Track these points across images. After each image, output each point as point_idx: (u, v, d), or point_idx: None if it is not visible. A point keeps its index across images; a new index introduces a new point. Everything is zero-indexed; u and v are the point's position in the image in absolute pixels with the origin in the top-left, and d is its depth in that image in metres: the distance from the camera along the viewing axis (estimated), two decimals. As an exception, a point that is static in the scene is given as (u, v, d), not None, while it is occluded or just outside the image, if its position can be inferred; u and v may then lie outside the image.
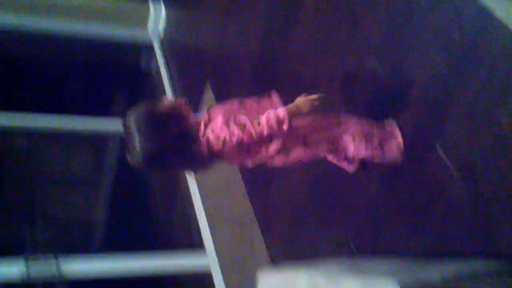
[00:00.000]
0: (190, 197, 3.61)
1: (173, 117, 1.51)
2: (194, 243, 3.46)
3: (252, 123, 1.53)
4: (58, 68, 4.69)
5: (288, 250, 2.54)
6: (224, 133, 1.52)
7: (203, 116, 1.58)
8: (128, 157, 1.49)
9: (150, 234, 4.17)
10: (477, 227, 1.51)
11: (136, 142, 1.45)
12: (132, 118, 1.47)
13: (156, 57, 4.50)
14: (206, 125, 1.55)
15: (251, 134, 1.52)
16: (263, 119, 1.53)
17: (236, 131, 1.52)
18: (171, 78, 4.32)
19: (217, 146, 1.53)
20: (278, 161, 1.65)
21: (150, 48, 4.61)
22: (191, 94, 3.85)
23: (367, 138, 1.69)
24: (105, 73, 4.71)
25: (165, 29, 4.61)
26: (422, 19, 1.70)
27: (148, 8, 4.58)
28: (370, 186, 1.95)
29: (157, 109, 1.51)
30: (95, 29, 4.48)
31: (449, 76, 1.60)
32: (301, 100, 1.62)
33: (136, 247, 3.61)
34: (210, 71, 3.58)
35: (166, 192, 4.33)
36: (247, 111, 1.60)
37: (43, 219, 4.04)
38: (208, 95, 3.52)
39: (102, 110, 4.15)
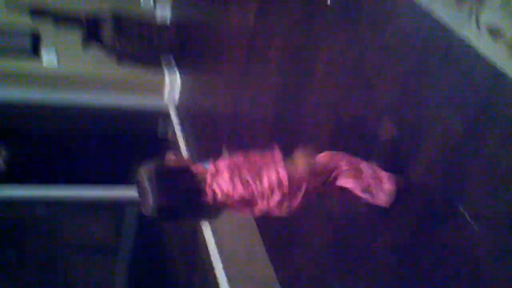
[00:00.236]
0: (210, 261, 3.59)
1: (181, 173, 1.63)
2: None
3: (254, 181, 1.62)
4: (78, 139, 4.79)
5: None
6: (228, 188, 1.61)
7: (210, 167, 1.67)
8: (142, 209, 1.60)
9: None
10: (504, 284, 1.50)
11: (149, 196, 1.56)
12: (144, 174, 1.59)
13: (172, 124, 4.59)
14: (213, 177, 1.64)
15: (253, 191, 1.62)
16: (265, 180, 1.62)
17: (240, 187, 1.61)
18: (187, 144, 4.39)
19: (222, 198, 1.62)
20: (281, 210, 1.70)
21: (167, 115, 4.71)
22: (208, 159, 3.89)
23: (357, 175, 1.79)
24: (123, 142, 4.80)
25: (181, 97, 4.72)
26: (435, 79, 1.75)
27: (163, 77, 4.71)
28: (393, 245, 1.94)
29: (166, 165, 1.64)
30: (112, 100, 4.60)
31: (466, 134, 1.62)
32: (301, 162, 1.70)
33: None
34: (226, 136, 3.63)
35: (186, 258, 4.31)
36: (250, 166, 1.66)
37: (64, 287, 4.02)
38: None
39: (121, 178, 4.21)
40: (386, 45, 2.00)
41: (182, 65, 4.72)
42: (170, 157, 1.70)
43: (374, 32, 2.08)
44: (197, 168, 1.67)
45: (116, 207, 4.33)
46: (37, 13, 4.55)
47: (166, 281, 4.26)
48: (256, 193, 1.62)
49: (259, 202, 1.65)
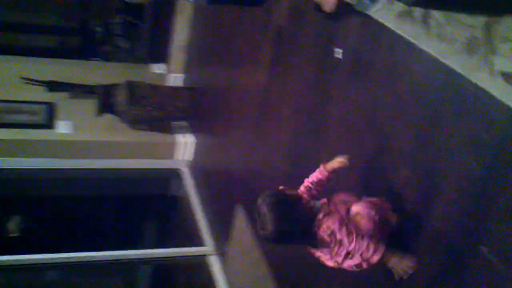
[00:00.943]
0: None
1: (297, 202, 1.88)
2: None
3: (357, 238, 1.85)
4: (91, 203, 4.83)
5: None
6: (335, 229, 1.85)
7: (323, 207, 1.92)
8: (260, 232, 1.83)
9: None
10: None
11: (268, 222, 1.79)
12: (265, 202, 1.82)
13: (186, 183, 4.63)
14: (325, 215, 1.88)
15: (351, 244, 1.85)
16: (364, 245, 1.85)
17: (344, 233, 1.85)
18: (201, 202, 4.40)
19: (325, 233, 1.86)
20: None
21: (180, 175, 4.76)
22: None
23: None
24: (138, 204, 4.83)
25: (194, 157, 4.78)
26: (451, 125, 1.79)
27: (176, 138, 4.79)
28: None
29: (285, 196, 1.86)
30: (126, 164, 4.67)
31: (485, 176, 1.65)
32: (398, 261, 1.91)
33: None
34: (240, 192, 3.66)
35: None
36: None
37: None
38: (241, 216, 3.57)
39: (135, 239, 4.23)
40: (399, 94, 2.06)
41: (195, 125, 4.81)
42: (285, 188, 1.91)
43: (386, 83, 2.14)
44: (310, 202, 1.90)
45: (129, 269, 4.31)
46: (53, 87, 4.70)
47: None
48: (353, 247, 1.84)
49: (354, 256, 1.86)
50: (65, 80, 4.78)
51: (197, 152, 4.72)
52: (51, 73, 4.91)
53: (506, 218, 1.58)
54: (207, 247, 4.05)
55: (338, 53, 2.48)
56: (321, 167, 2.07)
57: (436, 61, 1.86)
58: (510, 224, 1.56)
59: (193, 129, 4.83)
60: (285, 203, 1.85)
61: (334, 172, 2.06)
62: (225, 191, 3.97)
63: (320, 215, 1.89)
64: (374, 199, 2.05)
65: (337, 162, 2.05)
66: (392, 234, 1.99)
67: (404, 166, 2.01)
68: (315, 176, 2.08)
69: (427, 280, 1.87)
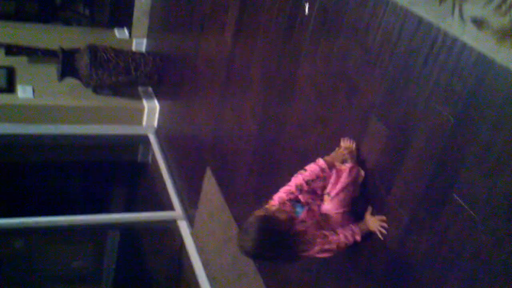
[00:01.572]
0: (196, 280, 3.55)
1: (287, 233, 1.87)
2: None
3: (331, 236, 1.96)
4: (57, 168, 4.74)
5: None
6: (317, 254, 1.94)
7: (302, 216, 1.98)
8: (239, 244, 1.86)
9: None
10: (507, 267, 1.52)
11: (250, 240, 1.82)
12: (255, 225, 1.83)
13: (153, 149, 4.58)
14: (304, 244, 1.92)
15: (330, 244, 1.95)
16: (340, 233, 1.97)
17: (326, 254, 1.95)
18: (169, 167, 4.37)
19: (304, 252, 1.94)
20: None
21: (148, 141, 4.70)
22: (192, 180, 3.89)
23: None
24: (105, 169, 4.76)
25: (159, 123, 4.73)
26: (422, 74, 1.79)
27: (141, 104, 4.72)
28: (390, 244, 1.95)
29: (277, 225, 1.85)
30: (91, 129, 4.58)
31: (457, 124, 1.66)
32: (374, 222, 1.99)
33: None
34: (209, 156, 3.63)
35: (171, 280, 4.24)
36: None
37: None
38: (210, 180, 3.55)
39: (103, 205, 4.17)
40: (368, 47, 2.05)
41: (160, 90, 4.74)
42: (278, 213, 1.90)
43: (355, 36, 2.13)
44: (292, 220, 1.92)
45: (97, 233, 4.26)
46: (11, 50, 4.55)
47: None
48: (331, 243, 1.95)
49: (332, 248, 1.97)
50: (24, 44, 4.63)
51: (164, 117, 4.66)
52: (9, 36, 4.75)
53: (477, 166, 1.59)
54: (176, 212, 4.04)
55: (305, 7, 2.45)
56: (323, 162, 2.06)
57: (405, 10, 1.85)
58: (481, 172, 1.58)
59: (159, 95, 4.77)
60: (274, 233, 1.85)
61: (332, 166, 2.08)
62: (194, 156, 3.94)
63: (302, 230, 1.94)
64: (343, 168, 2.05)
65: (341, 154, 2.09)
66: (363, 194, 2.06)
67: (376, 119, 2.01)
68: (314, 172, 2.05)
69: (400, 231, 1.89)
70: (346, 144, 2.15)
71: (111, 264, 4.37)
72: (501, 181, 1.52)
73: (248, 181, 3.09)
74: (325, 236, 1.95)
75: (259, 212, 1.90)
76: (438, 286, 1.73)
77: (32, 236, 4.01)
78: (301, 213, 2.00)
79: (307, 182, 2.04)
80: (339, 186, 2.02)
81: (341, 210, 2.03)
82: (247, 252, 1.86)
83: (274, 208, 1.94)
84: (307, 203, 2.05)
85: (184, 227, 3.94)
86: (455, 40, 1.65)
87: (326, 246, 1.94)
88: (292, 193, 2.04)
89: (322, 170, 2.04)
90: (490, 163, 1.55)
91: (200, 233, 3.73)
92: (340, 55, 2.23)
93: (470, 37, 1.59)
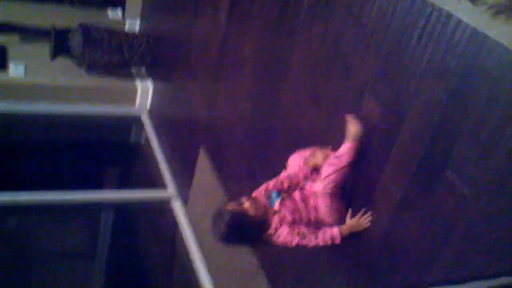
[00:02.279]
0: (190, 259, 3.56)
1: (256, 228, 2.02)
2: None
3: (310, 237, 2.02)
4: (50, 147, 4.72)
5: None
6: (286, 239, 2.03)
7: (275, 206, 2.07)
8: (212, 230, 2.03)
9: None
10: (496, 248, 1.53)
11: (219, 233, 1.99)
12: (225, 219, 1.97)
13: (147, 129, 4.57)
14: (275, 230, 2.04)
15: (307, 243, 2.03)
16: (320, 236, 2.02)
17: (297, 239, 2.03)
18: (162, 148, 4.37)
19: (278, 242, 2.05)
20: None
21: (139, 122, 4.69)
22: (185, 160, 3.89)
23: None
24: (95, 149, 4.75)
25: (153, 103, 4.71)
26: (416, 50, 1.79)
27: (134, 84, 4.70)
28: (382, 220, 1.96)
29: (246, 221, 1.99)
30: (83, 108, 4.55)
31: (450, 101, 1.66)
32: (355, 223, 2.03)
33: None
34: (203, 137, 3.63)
35: (164, 258, 4.26)
36: (309, 221, 2.09)
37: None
38: (204, 159, 3.55)
39: (96, 185, 4.17)
40: (362, 24, 2.04)
41: (153, 71, 4.72)
42: (250, 209, 2.01)
43: (349, 13, 2.12)
44: (264, 214, 2.04)
45: (90, 212, 4.26)
46: (3, 29, 4.50)
47: (143, 283, 4.19)
48: (309, 245, 2.03)
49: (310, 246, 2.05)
50: (16, 22, 4.58)
51: (158, 98, 4.65)
52: (0, 14, 4.70)
53: (469, 143, 1.60)
54: (170, 191, 4.04)
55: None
56: (302, 161, 2.15)
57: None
58: (474, 149, 1.58)
59: (152, 75, 4.74)
60: (241, 229, 2.00)
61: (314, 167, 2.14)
62: (187, 136, 3.93)
63: (273, 227, 2.05)
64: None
65: (320, 157, 2.12)
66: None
67: (369, 97, 2.01)
68: (293, 169, 2.17)
69: (393, 208, 1.90)
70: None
71: (104, 242, 4.37)
72: (493, 159, 1.53)
73: (242, 161, 3.10)
74: (304, 236, 2.03)
75: (230, 207, 2.02)
76: (429, 264, 1.74)
77: (23, 213, 4.00)
78: (276, 203, 2.07)
79: (288, 177, 2.17)
80: (330, 169, 2.01)
81: (329, 202, 2.05)
82: (217, 240, 2.03)
83: (245, 204, 2.03)
84: (288, 192, 2.13)
85: (178, 206, 3.95)
86: (450, 16, 1.65)
87: (302, 243, 2.04)
88: (278, 183, 2.16)
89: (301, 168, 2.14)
90: (482, 141, 1.56)
91: (194, 211, 3.74)
92: (334, 33, 2.22)
93: (465, 12, 1.59)
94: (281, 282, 2.68)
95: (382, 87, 1.96)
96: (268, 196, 2.10)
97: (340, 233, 2.03)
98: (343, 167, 1.99)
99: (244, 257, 2.96)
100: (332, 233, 2.03)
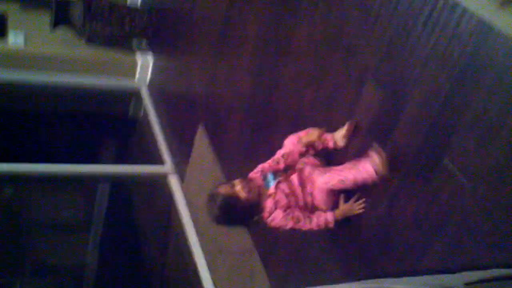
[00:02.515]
0: (185, 235, 3.58)
1: (247, 211, 2.04)
2: (191, 283, 3.40)
3: (305, 221, 2.02)
4: (48, 118, 4.71)
5: (293, 280, 2.52)
6: (281, 223, 2.03)
7: (271, 189, 2.05)
8: (206, 211, 2.07)
9: (144, 277, 4.09)
10: (491, 239, 1.53)
11: (213, 215, 2.03)
12: (216, 199, 2.00)
13: (146, 103, 4.55)
14: (269, 214, 2.04)
15: (301, 227, 2.03)
16: (314, 221, 2.03)
17: (291, 223, 2.02)
18: (161, 122, 4.35)
19: (272, 225, 2.05)
20: None
21: (138, 95, 4.67)
22: (184, 136, 3.89)
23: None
24: (95, 122, 4.74)
25: (152, 77, 4.68)
26: (420, 38, 1.77)
27: (134, 57, 4.66)
28: (379, 208, 1.96)
29: (238, 204, 2.00)
30: (82, 80, 4.53)
31: (453, 90, 1.65)
32: (349, 208, 2.03)
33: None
34: (202, 113, 3.62)
35: (159, 233, 4.28)
36: (304, 206, 2.07)
37: (32, 266, 3.94)
38: (202, 136, 3.55)
39: (93, 157, 4.16)
40: (367, 9, 2.02)
41: (154, 45, 4.68)
42: (240, 191, 2.01)
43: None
44: (258, 191, 2.04)
45: (89, 184, 4.27)
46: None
47: (138, 258, 4.22)
48: (304, 229, 2.04)
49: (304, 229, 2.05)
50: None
51: (158, 72, 4.62)
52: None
53: (470, 133, 1.59)
54: (167, 166, 4.04)
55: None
56: (296, 139, 2.10)
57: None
58: (473, 139, 1.58)
59: (153, 49, 4.70)
60: (233, 211, 2.02)
61: (309, 145, 2.10)
62: (186, 112, 3.92)
63: (268, 211, 2.04)
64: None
65: (314, 135, 2.09)
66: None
67: (371, 82, 2.00)
68: (288, 147, 2.12)
69: (390, 195, 1.90)
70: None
71: (100, 215, 4.39)
72: (493, 149, 1.52)
73: (240, 139, 3.09)
74: (298, 220, 2.02)
75: (222, 189, 2.02)
76: (423, 250, 1.75)
77: (21, 183, 4.00)
78: (271, 186, 2.05)
79: (283, 156, 2.12)
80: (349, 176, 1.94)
81: (326, 195, 2.04)
82: (211, 221, 2.08)
83: (237, 187, 2.02)
84: (286, 172, 2.11)
85: (174, 182, 3.95)
86: (456, 4, 1.62)
87: (296, 227, 2.04)
88: (274, 163, 2.13)
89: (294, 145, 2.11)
90: (482, 130, 1.55)
91: (191, 188, 3.75)
92: (339, 15, 2.19)
93: (471, 2, 1.56)
94: (274, 259, 2.70)
95: (384, 73, 1.94)
96: (264, 178, 2.09)
97: (334, 218, 2.03)
98: (351, 185, 1.96)
99: (238, 235, 2.98)
100: (326, 218, 2.03)
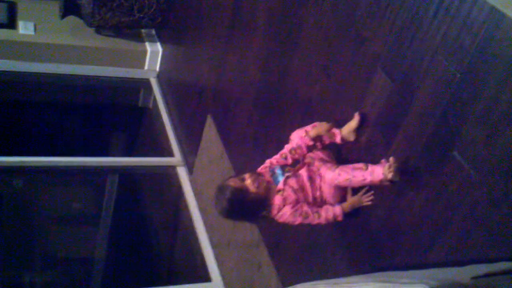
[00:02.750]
0: (193, 227, 3.57)
1: (255, 205, 2.01)
2: (199, 274, 3.40)
3: (313, 216, 2.00)
4: (57, 108, 4.72)
5: (300, 272, 2.50)
6: (289, 219, 2.01)
7: (280, 191, 2.02)
8: (215, 204, 2.05)
9: (152, 268, 4.10)
10: (501, 229, 1.50)
11: (221, 208, 2.01)
12: (224, 192, 1.99)
13: (153, 94, 4.54)
14: (278, 210, 2.02)
15: (310, 222, 2.02)
16: (322, 215, 2.01)
17: (299, 219, 2.01)
18: (170, 113, 4.34)
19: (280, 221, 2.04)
20: None
21: (148, 85, 4.66)
22: (192, 127, 3.87)
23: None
24: (105, 110, 4.74)
25: (162, 66, 4.67)
26: (429, 27, 1.73)
27: (144, 47, 4.65)
28: (387, 200, 1.94)
29: (246, 197, 1.98)
30: (92, 69, 4.52)
31: (462, 80, 1.61)
32: (357, 201, 2.01)
33: (138, 285, 3.54)
34: (211, 103, 3.60)
35: (168, 225, 4.28)
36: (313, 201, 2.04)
37: (42, 258, 3.96)
38: (210, 127, 3.53)
39: (102, 148, 4.16)
40: (379, -3, 1.98)
41: (163, 34, 4.66)
42: (249, 185, 1.98)
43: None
44: (267, 186, 2.02)
45: (97, 176, 4.28)
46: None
47: (146, 249, 4.23)
48: (312, 223, 2.02)
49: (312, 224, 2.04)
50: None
51: (167, 62, 4.60)
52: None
53: (479, 125, 1.55)
54: (176, 158, 4.03)
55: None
56: (303, 132, 2.07)
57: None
58: (482, 131, 1.54)
59: (162, 38, 4.69)
60: (244, 205, 2.00)
61: (316, 139, 2.08)
62: (195, 102, 3.90)
63: (276, 208, 2.02)
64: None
65: (321, 128, 2.07)
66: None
67: (381, 71, 1.96)
68: (295, 142, 2.09)
69: (398, 187, 1.87)
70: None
71: (109, 207, 4.39)
72: (502, 141, 1.48)
73: (249, 130, 3.07)
74: (307, 215, 2.00)
75: (232, 182, 2.00)
76: (431, 242, 1.72)
77: (30, 176, 4.02)
78: (279, 182, 2.03)
79: (290, 151, 2.10)
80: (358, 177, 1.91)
81: (334, 189, 2.03)
82: (220, 214, 2.07)
83: (247, 181, 2.00)
84: (294, 169, 2.08)
85: (183, 174, 3.94)
86: (468, -8, 1.58)
87: (305, 222, 2.02)
88: (281, 158, 2.11)
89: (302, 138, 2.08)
90: (492, 122, 1.51)
91: (199, 180, 3.74)
92: (349, 3, 2.16)
93: (483, -11, 1.52)
94: (282, 251, 2.69)
95: (394, 62, 1.90)
96: (272, 173, 2.07)
97: (342, 211, 2.01)
98: (357, 185, 1.96)
99: (246, 227, 2.97)
100: (334, 212, 2.01)
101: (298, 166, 2.09)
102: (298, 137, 2.09)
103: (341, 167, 1.97)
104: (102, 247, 4.30)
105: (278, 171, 2.05)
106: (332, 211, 2.01)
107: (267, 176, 2.06)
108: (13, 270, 3.82)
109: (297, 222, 2.01)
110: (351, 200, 2.02)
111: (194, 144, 3.76)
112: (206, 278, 3.30)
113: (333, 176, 1.96)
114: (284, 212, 2.01)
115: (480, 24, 1.55)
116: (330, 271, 2.26)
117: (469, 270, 1.43)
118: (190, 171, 3.89)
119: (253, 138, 3.01)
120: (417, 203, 1.78)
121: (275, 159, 2.12)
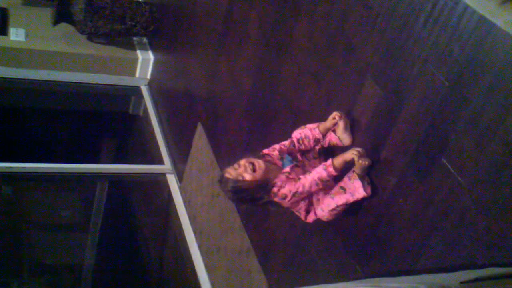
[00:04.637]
0: (183, 234, 3.56)
1: (252, 185, 2.00)
2: (189, 282, 3.39)
3: (305, 178, 1.98)
4: (49, 115, 4.70)
5: (289, 279, 2.50)
6: (287, 190, 1.99)
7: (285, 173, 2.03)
8: (221, 188, 2.10)
9: (142, 276, 4.08)
10: (489, 235, 1.52)
11: (228, 193, 2.05)
12: (225, 180, 2.03)
13: (146, 101, 4.54)
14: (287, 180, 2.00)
15: (304, 186, 1.97)
16: (312, 174, 1.97)
17: (293, 188, 1.98)
18: (160, 121, 4.34)
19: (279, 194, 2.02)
20: None
21: (139, 93, 4.65)
22: (182, 135, 3.87)
23: None
24: (95, 117, 4.73)
25: (153, 74, 4.67)
26: (419, 36, 1.76)
27: (135, 54, 4.66)
28: (375, 206, 1.95)
29: (245, 188, 2.00)
30: (83, 77, 4.52)
31: (451, 89, 1.64)
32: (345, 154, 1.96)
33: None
34: (201, 111, 3.60)
35: (157, 232, 4.27)
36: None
37: (30, 265, 3.93)
38: (201, 135, 3.53)
39: (92, 155, 4.15)
40: (369, 5, 2.01)
41: (155, 42, 4.67)
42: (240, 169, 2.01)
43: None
44: (268, 166, 2.02)
45: (87, 183, 4.26)
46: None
47: (136, 256, 4.21)
48: (306, 186, 1.97)
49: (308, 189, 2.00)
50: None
51: (158, 70, 4.60)
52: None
53: (468, 133, 1.58)
54: (166, 166, 4.03)
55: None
56: (316, 125, 2.09)
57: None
58: (471, 138, 1.56)
59: (154, 46, 4.69)
60: (245, 192, 2.02)
61: (327, 133, 2.10)
62: (186, 110, 3.90)
63: (278, 185, 2.00)
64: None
65: (329, 122, 2.07)
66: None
67: (371, 80, 1.99)
68: (304, 133, 2.10)
69: (387, 193, 1.89)
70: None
71: (98, 214, 4.38)
72: (490, 148, 1.51)
73: (239, 139, 3.08)
74: (300, 180, 1.99)
75: (228, 174, 2.02)
76: (420, 249, 1.74)
77: (19, 182, 3.99)
78: (287, 166, 2.04)
79: (298, 140, 2.10)
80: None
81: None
82: (232, 202, 2.20)
83: (241, 168, 2.01)
84: (302, 161, 2.09)
85: (172, 181, 3.94)
86: (457, 2, 1.61)
87: (300, 189, 1.98)
88: (290, 145, 2.12)
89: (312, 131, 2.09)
90: (480, 130, 1.54)
91: (188, 187, 3.73)
92: (340, 12, 2.18)
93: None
94: (271, 259, 2.69)
95: (384, 71, 1.92)
96: (282, 158, 2.08)
97: (333, 164, 1.93)
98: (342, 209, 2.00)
99: (236, 234, 2.97)
100: (325, 166, 1.94)
101: (301, 167, 2.09)
102: (308, 129, 2.10)
103: (321, 202, 2.02)
104: (91, 255, 4.27)
105: (287, 157, 2.07)
106: (321, 167, 1.96)
107: (275, 158, 2.08)
108: (1, 277, 3.78)
109: (293, 191, 1.97)
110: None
111: (184, 152, 3.76)
112: (196, 285, 3.29)
113: (320, 214, 2.03)
114: (284, 186, 2.00)
115: (469, 34, 1.57)
116: (319, 277, 2.26)
117: (458, 275, 1.44)
118: (180, 178, 3.88)
119: (244, 146, 3.02)
120: (406, 210, 1.80)
121: (283, 144, 2.13)
